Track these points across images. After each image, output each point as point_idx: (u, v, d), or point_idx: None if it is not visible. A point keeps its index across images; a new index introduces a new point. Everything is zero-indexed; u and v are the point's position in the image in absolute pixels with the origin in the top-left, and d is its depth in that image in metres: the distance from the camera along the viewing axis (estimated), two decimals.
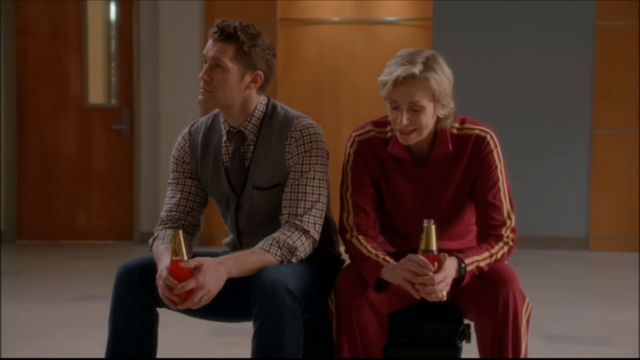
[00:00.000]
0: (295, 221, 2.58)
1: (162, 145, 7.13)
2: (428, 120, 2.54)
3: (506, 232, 2.61)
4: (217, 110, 2.77)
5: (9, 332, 4.28)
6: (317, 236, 2.61)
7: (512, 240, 2.62)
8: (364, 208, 2.65)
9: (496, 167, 2.62)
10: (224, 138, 2.72)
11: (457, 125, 2.64)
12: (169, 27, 7.17)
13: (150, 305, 2.58)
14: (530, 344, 2.58)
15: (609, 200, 7.08)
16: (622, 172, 7.06)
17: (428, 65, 2.50)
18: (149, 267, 2.54)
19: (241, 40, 2.58)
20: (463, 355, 2.72)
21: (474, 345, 2.60)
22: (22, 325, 4.48)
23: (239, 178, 2.70)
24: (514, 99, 7.13)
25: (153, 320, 2.62)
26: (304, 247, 2.57)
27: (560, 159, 7.11)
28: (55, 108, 7.47)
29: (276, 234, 2.57)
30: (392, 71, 2.50)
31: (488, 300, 2.49)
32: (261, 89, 2.69)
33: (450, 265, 2.43)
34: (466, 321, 2.70)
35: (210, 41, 2.62)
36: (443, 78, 2.52)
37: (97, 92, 7.53)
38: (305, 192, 2.61)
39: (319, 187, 2.62)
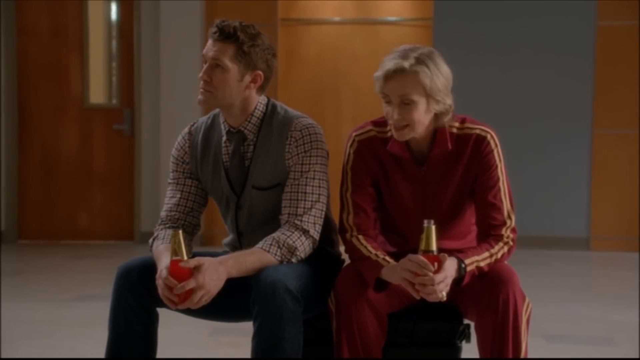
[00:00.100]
0: (295, 221, 2.58)
1: (163, 145, 7.13)
2: (420, 115, 2.54)
3: (506, 232, 2.61)
4: (217, 110, 2.77)
5: (9, 332, 4.28)
6: (317, 236, 2.61)
7: (512, 240, 2.62)
8: (363, 208, 2.65)
9: (496, 166, 2.62)
10: (224, 138, 2.71)
11: (457, 124, 2.64)
12: (169, 27, 7.17)
13: (150, 305, 2.58)
14: (530, 344, 2.58)
15: (609, 200, 7.08)
16: (623, 172, 7.05)
17: (420, 60, 2.50)
18: (149, 267, 2.54)
19: (241, 40, 2.58)
20: (463, 355, 2.72)
21: (474, 345, 2.59)
22: (22, 325, 4.48)
23: (238, 178, 2.70)
24: (515, 99, 7.13)
25: (153, 320, 2.62)
26: (303, 247, 2.57)
27: (560, 158, 7.11)
28: (56, 108, 7.47)
29: (276, 234, 2.57)
30: (384, 66, 2.51)
31: (488, 300, 2.49)
32: (261, 89, 2.69)
33: (450, 266, 2.43)
34: (466, 321, 2.70)
35: (210, 41, 2.62)
36: (436, 73, 2.51)
37: (98, 92, 7.53)
38: (305, 192, 2.61)
39: (319, 187, 2.62)
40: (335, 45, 8.00)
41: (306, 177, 2.62)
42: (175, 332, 3.86)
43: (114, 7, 7.48)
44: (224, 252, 2.72)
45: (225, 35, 2.58)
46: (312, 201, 2.61)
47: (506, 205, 2.62)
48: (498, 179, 2.62)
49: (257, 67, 2.62)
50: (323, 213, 2.63)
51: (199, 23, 7.19)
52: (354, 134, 2.70)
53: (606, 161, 7.07)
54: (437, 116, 2.58)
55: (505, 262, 2.62)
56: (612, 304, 5.08)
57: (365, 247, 2.59)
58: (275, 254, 2.53)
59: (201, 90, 2.63)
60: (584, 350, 4.05)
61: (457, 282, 2.49)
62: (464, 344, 2.71)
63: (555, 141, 7.10)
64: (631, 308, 4.92)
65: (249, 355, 2.49)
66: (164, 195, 2.84)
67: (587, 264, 6.70)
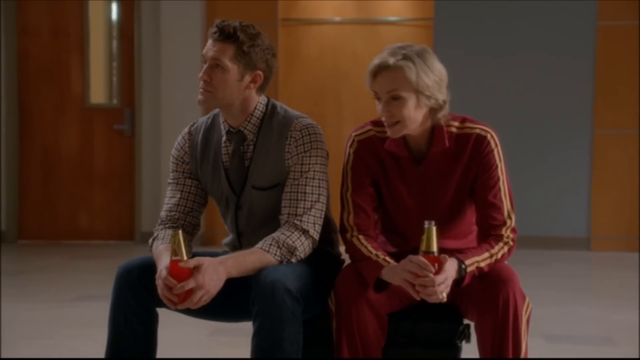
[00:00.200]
0: (295, 221, 2.58)
1: (163, 145, 7.13)
2: (410, 112, 2.53)
3: (506, 232, 2.61)
4: (217, 110, 2.77)
5: (9, 332, 4.28)
6: (316, 236, 2.61)
7: (513, 240, 2.62)
8: (364, 208, 2.65)
9: (496, 166, 2.62)
10: (224, 138, 2.71)
11: (457, 124, 2.64)
12: (170, 27, 7.17)
13: (150, 305, 2.58)
14: (530, 344, 2.58)
15: (610, 200, 7.08)
16: (623, 172, 7.05)
17: (407, 56, 2.50)
18: (148, 267, 2.54)
19: (241, 40, 2.58)
20: (463, 355, 2.72)
21: (474, 345, 2.59)
22: (22, 325, 4.48)
23: (238, 178, 2.70)
24: (515, 99, 7.13)
25: (153, 320, 2.62)
26: (303, 247, 2.57)
27: (561, 158, 7.10)
28: (56, 108, 7.47)
29: (276, 234, 2.57)
30: (372, 63, 2.53)
31: (488, 300, 2.48)
32: (261, 89, 2.69)
33: (451, 267, 2.43)
34: (466, 321, 2.70)
35: (209, 41, 2.62)
36: (423, 69, 2.50)
37: (99, 92, 7.54)
38: (305, 192, 2.61)
39: (319, 187, 2.62)
40: (335, 45, 7.99)
41: (306, 177, 2.62)
42: (175, 332, 3.86)
43: (114, 7, 7.48)
44: (224, 252, 2.72)
45: (225, 35, 2.58)
46: (311, 201, 2.61)
47: (506, 205, 2.62)
48: (498, 179, 2.62)
49: (257, 67, 2.62)
50: (323, 213, 2.63)
51: (199, 23, 7.19)
52: (353, 134, 2.70)
53: (606, 161, 7.07)
54: (431, 112, 2.58)
55: (506, 262, 2.62)
56: (612, 304, 5.08)
57: (366, 247, 2.59)
58: (275, 254, 2.53)
59: (201, 90, 2.63)
60: (584, 350, 4.05)
61: (457, 283, 2.49)
62: (464, 344, 2.71)
63: (556, 141, 7.10)
64: (631, 308, 4.91)
65: (248, 355, 2.49)
66: (164, 195, 2.84)
67: (587, 264, 6.70)
